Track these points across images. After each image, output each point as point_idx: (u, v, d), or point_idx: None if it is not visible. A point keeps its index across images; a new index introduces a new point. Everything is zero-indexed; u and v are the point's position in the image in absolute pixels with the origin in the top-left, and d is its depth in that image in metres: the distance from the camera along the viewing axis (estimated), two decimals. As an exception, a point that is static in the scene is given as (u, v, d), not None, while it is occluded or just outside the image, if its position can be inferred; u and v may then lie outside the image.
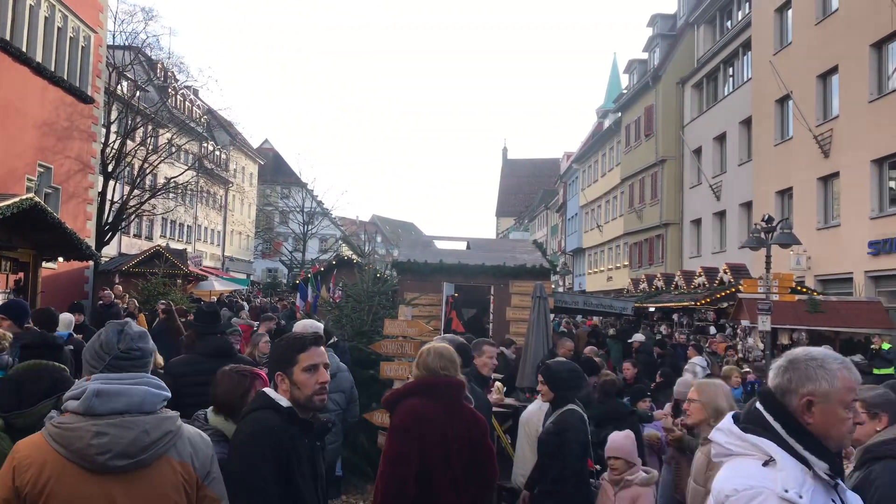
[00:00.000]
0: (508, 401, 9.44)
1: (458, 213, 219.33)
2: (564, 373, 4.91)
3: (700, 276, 23.14)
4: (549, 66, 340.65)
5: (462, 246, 18.40)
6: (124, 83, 28.86)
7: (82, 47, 21.59)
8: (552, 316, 14.54)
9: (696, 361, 12.05)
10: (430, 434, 3.59)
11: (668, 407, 6.71)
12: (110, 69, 26.04)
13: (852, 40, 20.15)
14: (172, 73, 34.80)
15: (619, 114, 41.53)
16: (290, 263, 51.67)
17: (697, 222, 32.05)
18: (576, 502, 4.65)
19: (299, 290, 17.78)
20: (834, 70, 21.28)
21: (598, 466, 5.25)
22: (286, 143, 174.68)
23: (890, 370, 16.19)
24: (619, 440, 4.72)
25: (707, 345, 16.13)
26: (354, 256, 21.81)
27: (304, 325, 5.68)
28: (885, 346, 16.11)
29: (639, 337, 16.15)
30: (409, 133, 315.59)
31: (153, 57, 31.93)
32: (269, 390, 2.93)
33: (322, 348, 2.96)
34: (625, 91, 42.83)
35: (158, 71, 34.59)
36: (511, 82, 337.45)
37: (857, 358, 16.53)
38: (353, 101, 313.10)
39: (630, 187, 38.69)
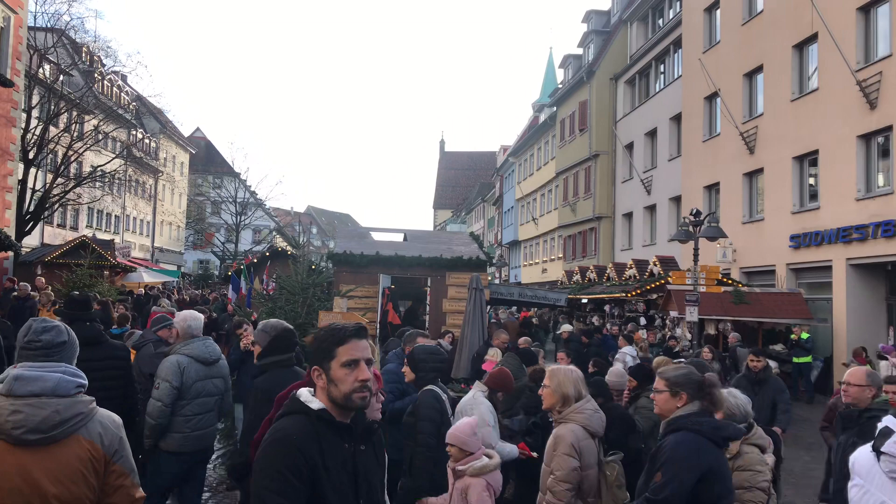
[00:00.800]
0: (443, 391, 9.47)
1: (395, 205, 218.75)
2: (422, 354, 5.08)
3: (631, 268, 23.69)
4: (487, 59, 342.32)
5: (399, 238, 18.36)
6: (46, 67, 27.67)
7: (1, 28, 20.60)
8: (488, 307, 14.65)
9: (626, 351, 12.37)
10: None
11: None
12: (31, 52, 24.91)
13: (776, 41, 20.88)
14: (99, 57, 33.55)
15: (555, 108, 42.05)
16: (222, 255, 50.70)
17: (629, 216, 32.76)
18: (424, 482, 4.57)
19: (231, 282, 17.44)
20: (759, 69, 22.03)
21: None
22: (219, 131, 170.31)
23: (808, 358, 16.94)
24: (456, 427, 4.42)
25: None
26: (289, 248, 21.47)
27: (186, 317, 5.61)
28: (804, 335, 16.83)
29: (567, 327, 16.41)
30: (347, 124, 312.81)
31: (78, 40, 30.69)
32: (303, 391, 2.65)
33: (365, 342, 2.65)
34: (560, 86, 43.36)
35: (84, 55, 33.28)
36: (449, 75, 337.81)
37: (779, 347, 17.25)
38: (289, 91, 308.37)
39: (564, 181, 39.26)
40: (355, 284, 12.74)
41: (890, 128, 16.57)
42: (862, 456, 4.03)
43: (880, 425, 2.39)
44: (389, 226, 30.57)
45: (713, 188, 24.67)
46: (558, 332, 16.38)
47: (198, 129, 66.22)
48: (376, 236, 17.97)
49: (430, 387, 4.96)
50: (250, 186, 54.59)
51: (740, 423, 4.19)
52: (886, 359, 14.67)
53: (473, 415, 5.24)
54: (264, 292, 14.95)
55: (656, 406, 3.76)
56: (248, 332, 8.23)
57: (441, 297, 15.57)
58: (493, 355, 8.68)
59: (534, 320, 22.36)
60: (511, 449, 5.28)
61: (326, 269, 14.72)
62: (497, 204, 59.21)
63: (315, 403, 2.57)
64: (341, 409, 2.57)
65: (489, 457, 4.32)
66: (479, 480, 4.14)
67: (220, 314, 16.59)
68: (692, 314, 15.16)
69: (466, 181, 79.65)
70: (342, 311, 7.45)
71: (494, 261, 33.68)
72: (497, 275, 46.76)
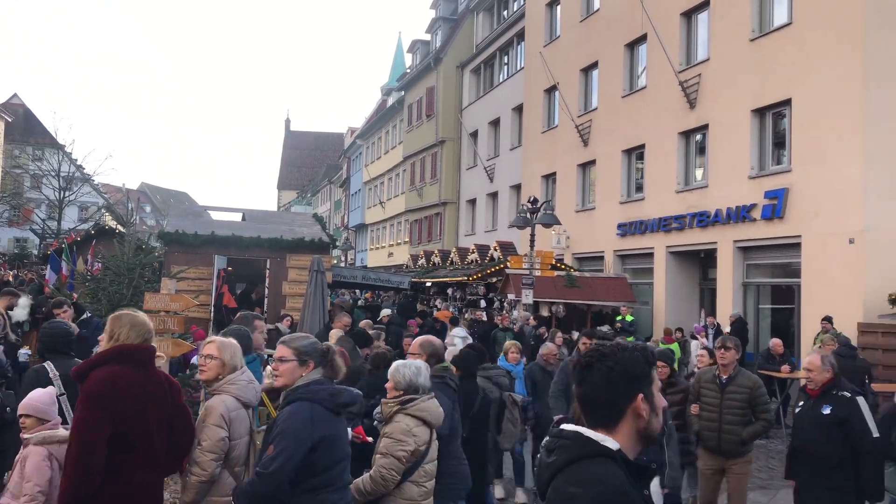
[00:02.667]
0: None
1: (238, 185, 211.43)
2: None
3: (473, 252, 24.31)
4: (336, 38, 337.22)
5: (237, 217, 17.71)
6: None
7: None
8: (336, 292, 14.50)
9: (455, 333, 12.72)
10: (127, 400, 3.58)
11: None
12: None
13: (610, 39, 22.08)
14: None
15: (403, 93, 42.18)
16: (42, 232, 46.75)
17: (473, 202, 33.58)
18: None
19: (50, 262, 16.14)
20: (595, 65, 23.20)
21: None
22: (40, 99, 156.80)
23: (630, 339, 18.17)
24: (32, 397, 4.27)
25: (469, 316, 17.03)
26: (117, 226, 20.13)
27: None
28: (629, 318, 18.04)
29: (386, 311, 16.63)
30: (188, 98, 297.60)
31: None
32: (583, 430, 2.06)
33: None
34: (408, 70, 43.51)
35: None
36: (296, 52, 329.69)
37: (605, 328, 18.36)
38: (124, 59, 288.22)
39: (412, 166, 39.56)
40: (187, 265, 12.15)
41: (707, 126, 18.03)
42: None
43: None
44: (231, 206, 29.48)
45: (550, 177, 25.77)
46: (379, 319, 16.53)
47: (15, 94, 60.36)
48: (214, 215, 17.23)
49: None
50: (76, 160, 50.61)
51: (411, 393, 4.52)
52: (697, 339, 16.06)
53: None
54: (88, 273, 13.97)
55: (280, 377, 3.81)
56: (69, 313, 7.67)
57: (281, 280, 15.18)
58: (334, 338, 8.59)
59: (359, 301, 22.67)
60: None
61: (158, 248, 13.97)
62: (344, 186, 58.66)
63: (611, 443, 2.03)
64: (636, 447, 2.10)
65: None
66: (40, 449, 4.03)
67: (36, 297, 15.29)
68: (528, 297, 15.81)
69: (313, 162, 78.19)
70: (170, 293, 7.09)
71: (340, 244, 33.40)
72: (343, 258, 46.48)
